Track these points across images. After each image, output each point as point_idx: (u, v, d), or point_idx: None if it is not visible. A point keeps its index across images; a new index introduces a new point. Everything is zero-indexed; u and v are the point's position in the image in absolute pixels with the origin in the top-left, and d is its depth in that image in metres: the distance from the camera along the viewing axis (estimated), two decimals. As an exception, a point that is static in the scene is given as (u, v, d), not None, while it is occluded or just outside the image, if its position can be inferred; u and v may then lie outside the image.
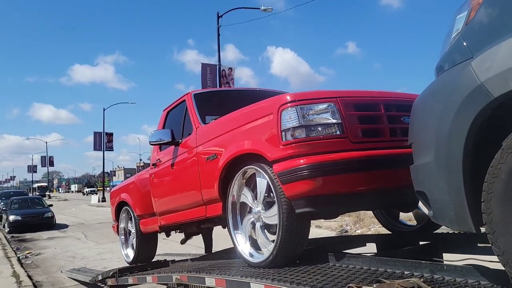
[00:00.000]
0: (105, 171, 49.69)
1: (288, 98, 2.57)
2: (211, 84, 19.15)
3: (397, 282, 1.72)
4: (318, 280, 2.12)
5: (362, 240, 4.03)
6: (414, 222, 3.85)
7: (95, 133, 42.36)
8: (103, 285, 6.26)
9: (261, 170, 2.73)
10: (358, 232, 10.24)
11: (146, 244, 4.78)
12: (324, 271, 2.37)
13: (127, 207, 5.05)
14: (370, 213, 10.55)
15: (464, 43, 1.59)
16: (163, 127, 4.35)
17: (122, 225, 5.35)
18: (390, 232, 3.82)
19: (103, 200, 38.18)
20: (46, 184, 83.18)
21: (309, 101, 2.54)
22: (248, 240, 2.98)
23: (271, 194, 2.79)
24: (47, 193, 60.69)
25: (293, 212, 2.53)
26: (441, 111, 1.61)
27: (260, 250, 2.89)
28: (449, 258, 3.11)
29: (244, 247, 2.99)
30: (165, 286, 5.54)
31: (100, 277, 5.25)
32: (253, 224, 2.94)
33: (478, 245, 3.26)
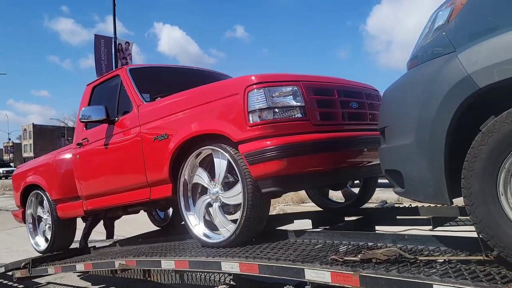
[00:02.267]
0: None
1: (255, 79, 2.59)
2: (106, 58, 17.84)
3: (379, 251, 1.91)
4: (293, 255, 2.22)
5: (293, 217, 4.27)
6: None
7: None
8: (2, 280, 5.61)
9: (222, 151, 2.72)
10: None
11: (64, 230, 4.38)
12: (291, 246, 2.48)
13: (38, 191, 4.55)
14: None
15: (447, 38, 1.79)
16: (89, 104, 4.00)
17: (29, 211, 4.81)
18: (321, 209, 4.11)
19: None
20: None
21: (276, 84, 2.59)
22: (201, 221, 2.96)
23: (230, 175, 2.81)
24: None
25: (258, 191, 2.59)
26: (425, 98, 1.80)
27: (217, 230, 2.89)
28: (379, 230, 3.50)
29: (198, 228, 2.96)
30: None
31: (2, 269, 4.67)
32: (209, 204, 2.93)
33: (397, 217, 3.74)
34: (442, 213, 3.15)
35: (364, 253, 1.93)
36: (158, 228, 5.74)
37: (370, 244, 2.29)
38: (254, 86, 2.57)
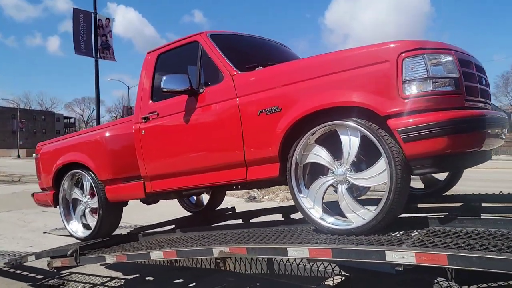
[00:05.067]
0: None
1: (412, 44, 2.30)
2: (85, 34, 16.74)
3: None
4: (477, 244, 1.97)
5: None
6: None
7: None
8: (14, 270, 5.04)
9: (357, 126, 2.41)
10: (266, 198, 10.40)
11: (111, 214, 3.91)
12: (448, 234, 2.22)
13: (78, 171, 4.02)
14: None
15: None
16: (154, 75, 3.54)
17: (62, 194, 4.26)
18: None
19: None
20: None
21: (435, 51, 2.31)
22: (319, 205, 2.65)
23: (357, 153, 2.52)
24: None
25: (407, 172, 2.31)
26: None
27: (336, 215, 2.60)
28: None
29: (315, 212, 2.64)
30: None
31: (33, 258, 4.13)
32: (328, 187, 2.62)
33: (482, 204, 3.58)
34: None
35: None
36: (191, 214, 5.34)
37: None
38: (410, 52, 2.27)
